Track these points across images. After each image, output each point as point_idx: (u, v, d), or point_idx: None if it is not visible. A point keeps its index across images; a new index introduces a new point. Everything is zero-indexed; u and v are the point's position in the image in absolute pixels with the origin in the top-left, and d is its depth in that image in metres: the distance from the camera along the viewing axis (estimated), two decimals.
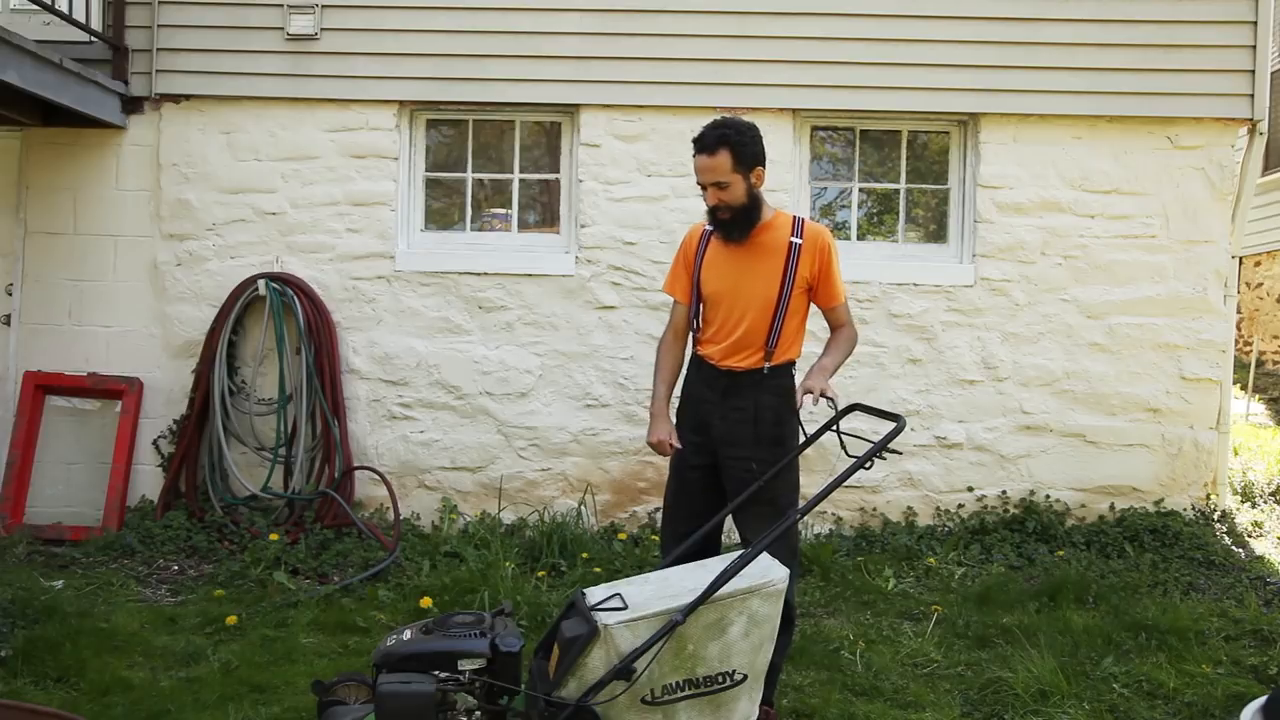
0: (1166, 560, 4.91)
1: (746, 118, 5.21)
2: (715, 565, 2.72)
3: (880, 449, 2.80)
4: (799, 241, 3.18)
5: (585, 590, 2.72)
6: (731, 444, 3.19)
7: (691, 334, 3.38)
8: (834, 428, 3.07)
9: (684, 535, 3.20)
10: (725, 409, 3.20)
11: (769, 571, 2.68)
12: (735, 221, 3.18)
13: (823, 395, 2.99)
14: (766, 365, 3.19)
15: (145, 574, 4.72)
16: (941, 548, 5.05)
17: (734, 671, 2.63)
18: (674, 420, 3.34)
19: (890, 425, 2.85)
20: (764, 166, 3.20)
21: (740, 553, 2.66)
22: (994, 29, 5.27)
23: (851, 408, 3.19)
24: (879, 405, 3.29)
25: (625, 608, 2.58)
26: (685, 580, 2.69)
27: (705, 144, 3.13)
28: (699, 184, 3.19)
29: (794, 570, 3.26)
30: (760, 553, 2.67)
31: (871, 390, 5.23)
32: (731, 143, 3.11)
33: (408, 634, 2.59)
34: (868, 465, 2.82)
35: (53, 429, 5.36)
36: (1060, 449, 5.38)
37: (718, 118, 3.21)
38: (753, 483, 3.11)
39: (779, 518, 3.04)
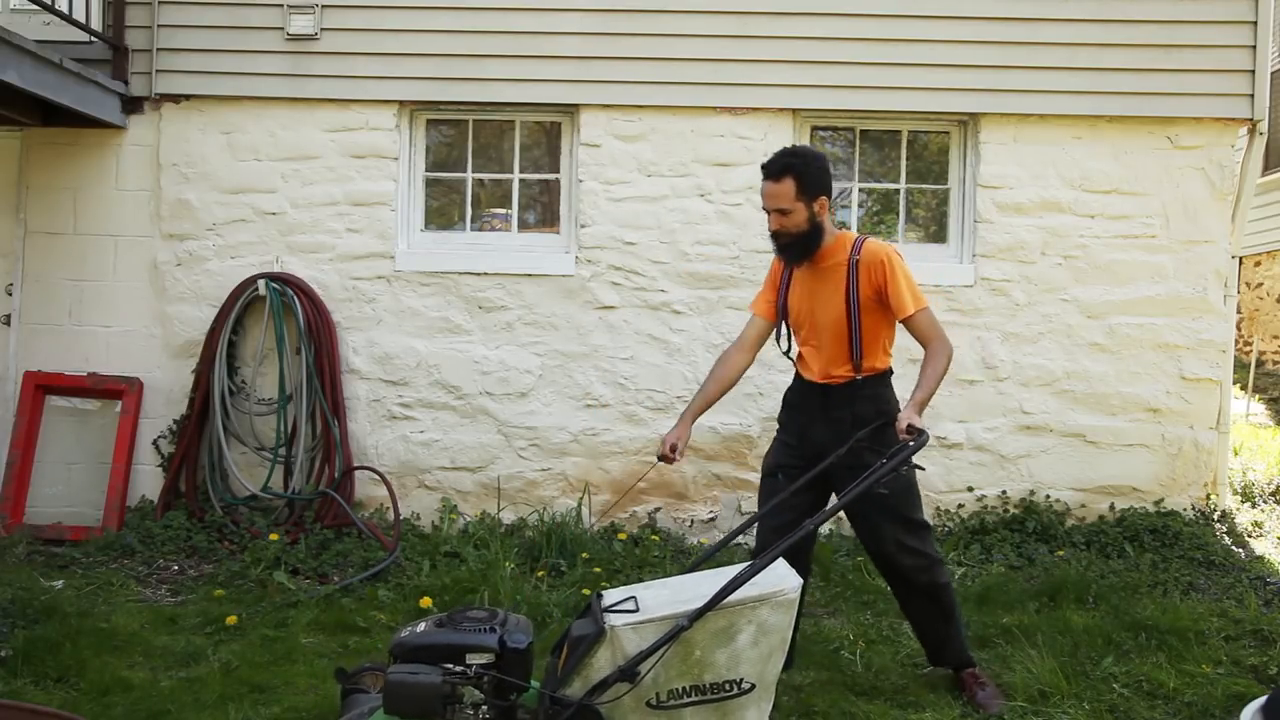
0: (1166, 560, 4.90)
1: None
2: (732, 572, 2.71)
3: (902, 463, 2.84)
4: (856, 258, 3.28)
5: (603, 591, 2.74)
6: (840, 445, 3.30)
7: (794, 350, 3.50)
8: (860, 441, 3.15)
9: (774, 531, 3.25)
10: (827, 419, 3.33)
11: (781, 581, 2.66)
12: (794, 247, 3.30)
13: (909, 430, 3.04)
14: (858, 376, 3.32)
15: (145, 574, 4.72)
16: (941, 548, 5.04)
17: (742, 680, 2.62)
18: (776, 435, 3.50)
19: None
20: (829, 196, 3.28)
21: (750, 562, 2.66)
22: (994, 29, 5.27)
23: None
24: None
25: (637, 610, 2.59)
26: (700, 586, 2.69)
27: (771, 170, 3.24)
28: (764, 208, 3.29)
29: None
30: (772, 562, 2.67)
31: None
32: (797, 171, 3.21)
33: (423, 626, 2.63)
34: (881, 488, 2.84)
35: (53, 429, 5.36)
36: (1060, 449, 5.37)
37: (788, 145, 3.31)
38: (864, 470, 3.03)
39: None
